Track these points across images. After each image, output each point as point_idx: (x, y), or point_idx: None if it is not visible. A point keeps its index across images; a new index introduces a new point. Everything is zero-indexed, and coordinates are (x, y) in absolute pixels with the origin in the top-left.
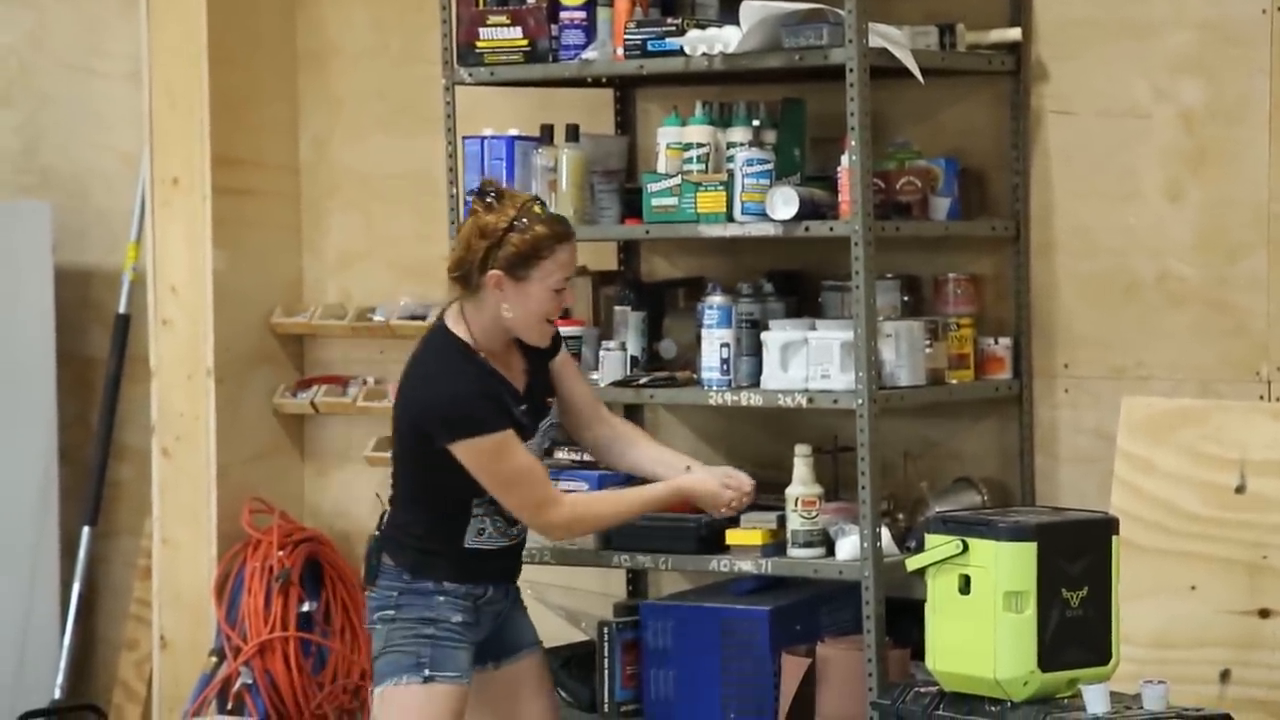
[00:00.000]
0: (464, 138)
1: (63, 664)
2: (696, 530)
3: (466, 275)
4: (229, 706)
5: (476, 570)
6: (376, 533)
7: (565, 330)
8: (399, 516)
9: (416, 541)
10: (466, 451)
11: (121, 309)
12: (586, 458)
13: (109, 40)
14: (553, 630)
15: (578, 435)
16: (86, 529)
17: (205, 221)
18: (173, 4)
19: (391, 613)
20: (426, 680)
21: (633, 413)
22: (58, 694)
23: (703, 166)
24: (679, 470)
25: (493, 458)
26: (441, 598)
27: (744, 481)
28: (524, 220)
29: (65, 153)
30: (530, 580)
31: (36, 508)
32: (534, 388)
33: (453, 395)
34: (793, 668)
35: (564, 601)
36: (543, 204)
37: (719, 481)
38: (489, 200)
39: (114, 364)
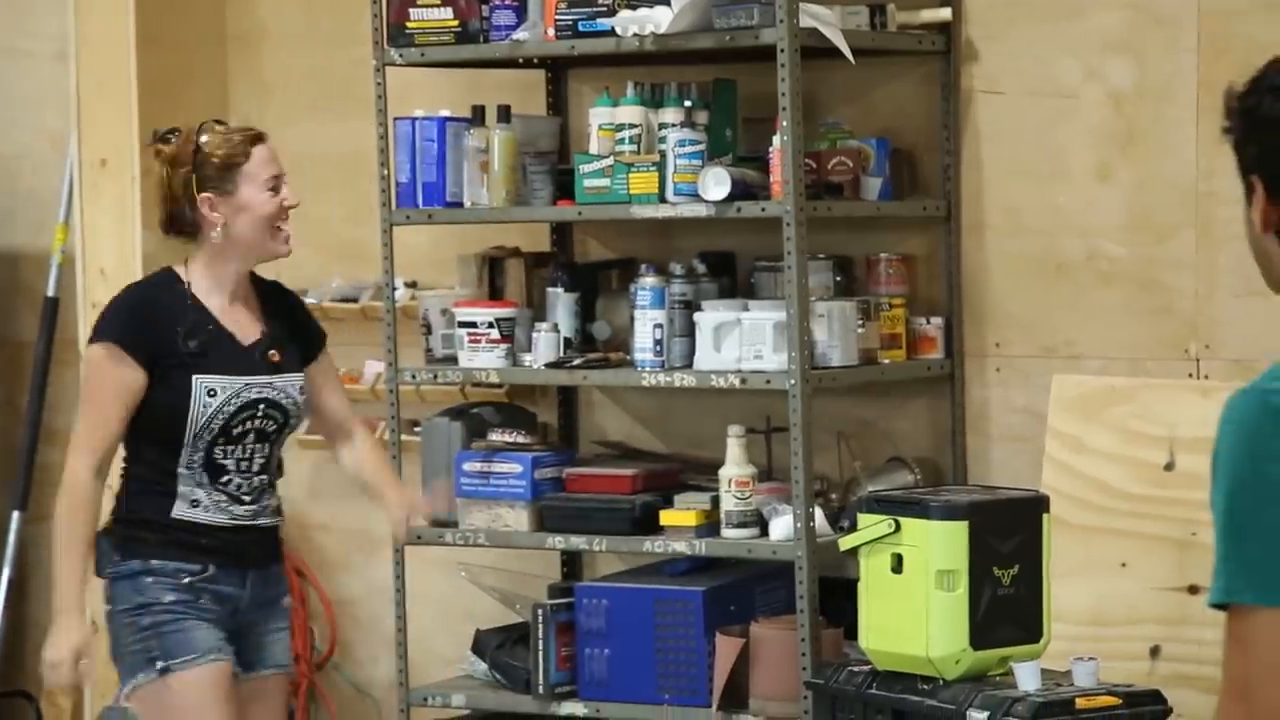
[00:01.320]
0: (395, 119)
1: None
2: (630, 512)
3: (179, 216)
4: None
5: (190, 544)
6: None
7: (498, 312)
8: (118, 490)
9: (124, 514)
10: (87, 357)
11: (50, 292)
12: (522, 438)
13: (35, 20)
14: (487, 612)
15: (326, 435)
16: (16, 514)
17: (134, 203)
18: None
19: (108, 607)
20: (163, 673)
21: (567, 394)
22: None
23: (635, 147)
24: (382, 485)
25: (87, 365)
26: (149, 578)
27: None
28: (208, 136)
29: None
30: (464, 562)
31: None
32: (265, 343)
33: (116, 298)
34: (727, 647)
35: (498, 583)
36: (221, 121)
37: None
38: (168, 137)
39: (42, 347)
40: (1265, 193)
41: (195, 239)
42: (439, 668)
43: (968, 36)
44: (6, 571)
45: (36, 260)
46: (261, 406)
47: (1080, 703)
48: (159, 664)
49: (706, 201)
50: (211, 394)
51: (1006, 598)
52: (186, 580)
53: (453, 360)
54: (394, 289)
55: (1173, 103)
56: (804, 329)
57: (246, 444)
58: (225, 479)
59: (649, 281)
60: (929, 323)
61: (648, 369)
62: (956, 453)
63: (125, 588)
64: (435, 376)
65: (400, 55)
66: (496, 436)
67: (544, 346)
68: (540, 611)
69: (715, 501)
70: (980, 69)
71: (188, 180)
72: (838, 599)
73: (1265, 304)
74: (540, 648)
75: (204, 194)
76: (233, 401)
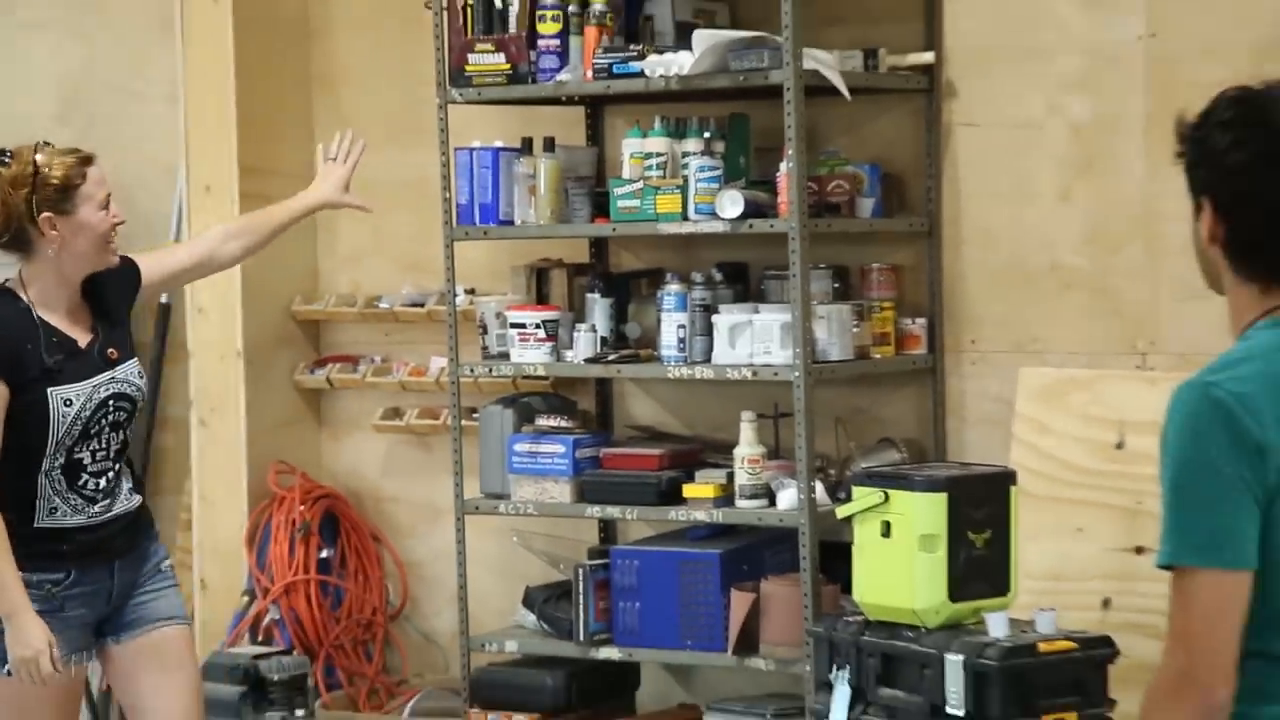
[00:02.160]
0: (455, 149)
1: None
2: (658, 485)
3: (18, 233)
4: (259, 639)
5: (50, 553)
6: None
7: (544, 314)
8: None
9: None
10: None
11: (163, 299)
12: (565, 423)
13: (150, 67)
14: (536, 571)
15: (210, 264)
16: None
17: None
18: (204, 36)
19: None
20: (8, 674)
21: (603, 385)
22: None
23: (661, 173)
24: (307, 203)
25: None
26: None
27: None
28: (43, 157)
29: (113, 165)
30: (516, 529)
31: None
32: (101, 342)
33: None
34: (740, 602)
35: (545, 547)
36: (49, 144)
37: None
38: (3, 160)
39: (157, 347)
40: (1212, 211)
41: (28, 256)
42: (494, 619)
43: (948, 77)
44: None
45: None
46: (111, 402)
47: (1042, 646)
48: (5, 668)
49: (723, 219)
50: (68, 404)
51: (979, 558)
52: (48, 589)
53: (505, 356)
54: (455, 296)
55: (1123, 134)
56: (806, 329)
57: (103, 437)
58: (82, 481)
59: (673, 288)
60: (914, 323)
61: (672, 364)
62: (937, 434)
63: None
64: (490, 370)
65: (460, 95)
66: (543, 421)
67: (583, 344)
68: (581, 571)
69: (730, 477)
70: (958, 105)
71: (29, 200)
72: (835, 560)
73: (1204, 306)
74: (581, 602)
75: (45, 214)
76: (87, 406)
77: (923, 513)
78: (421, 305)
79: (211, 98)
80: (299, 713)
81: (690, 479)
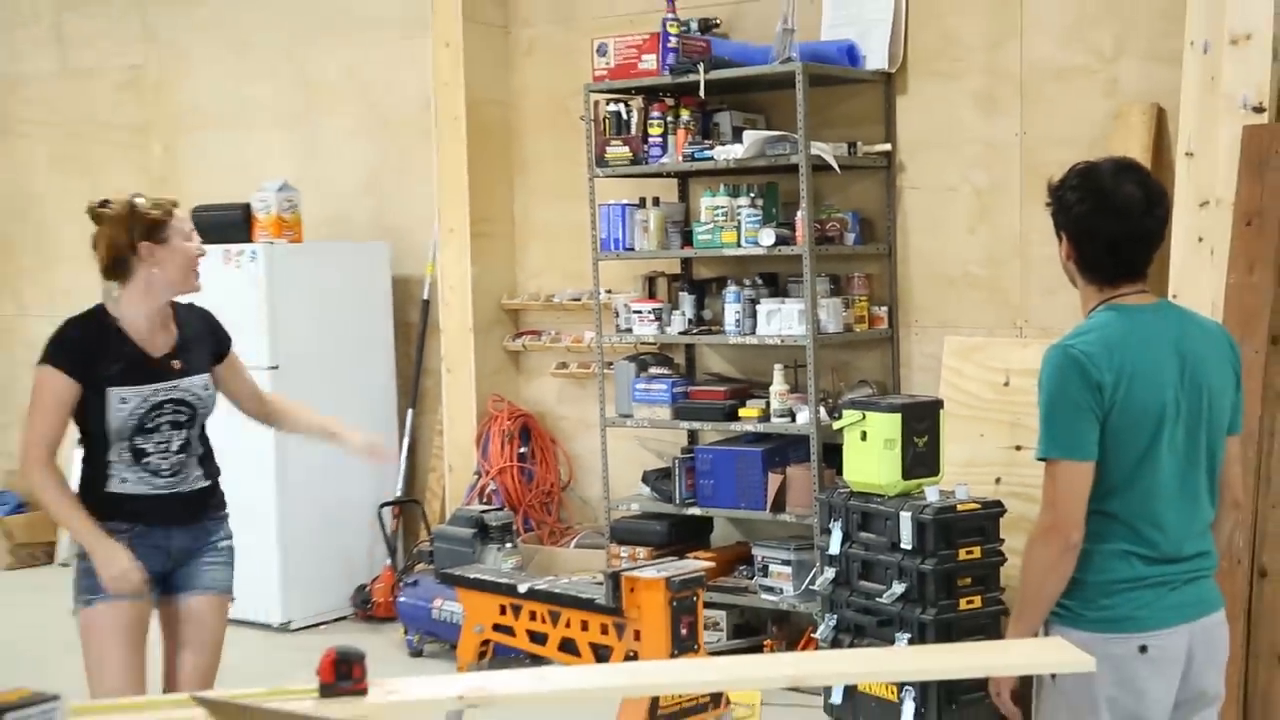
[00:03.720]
0: (599, 205)
1: (400, 478)
2: (724, 409)
3: (121, 261)
4: (484, 500)
5: (120, 511)
6: None
7: (653, 305)
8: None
9: (78, 490)
10: (35, 375)
11: (425, 297)
12: (666, 371)
13: (415, 158)
14: (650, 460)
15: (251, 414)
16: (410, 411)
17: (466, 250)
18: (449, 138)
19: (79, 553)
20: (87, 604)
21: (690, 349)
22: (399, 493)
23: (724, 218)
24: (330, 426)
25: (37, 384)
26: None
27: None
28: (140, 201)
29: (395, 216)
30: (638, 435)
31: (384, 401)
32: (172, 358)
33: (58, 330)
34: (774, 480)
35: (655, 447)
36: (139, 194)
37: (364, 440)
38: (105, 203)
39: (421, 326)
40: (1068, 241)
41: (125, 281)
42: (624, 489)
43: (899, 159)
44: (406, 441)
45: (418, 281)
46: (168, 405)
47: (959, 507)
48: (85, 597)
49: (762, 246)
50: (124, 401)
51: (921, 453)
52: (118, 537)
53: (630, 331)
54: (599, 294)
55: (1006, 194)
56: (814, 313)
57: (163, 432)
58: (146, 460)
59: (732, 289)
60: (880, 309)
61: (732, 335)
62: (894, 378)
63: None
64: (621, 339)
65: (601, 172)
66: (653, 370)
67: (678, 323)
68: (676, 461)
69: (768, 404)
70: (906, 175)
71: (129, 232)
72: (833, 454)
73: (1058, 298)
74: (676, 479)
75: (142, 243)
76: (142, 406)
77: (886, 425)
78: (579, 300)
79: (452, 175)
80: (508, 545)
81: (743, 405)
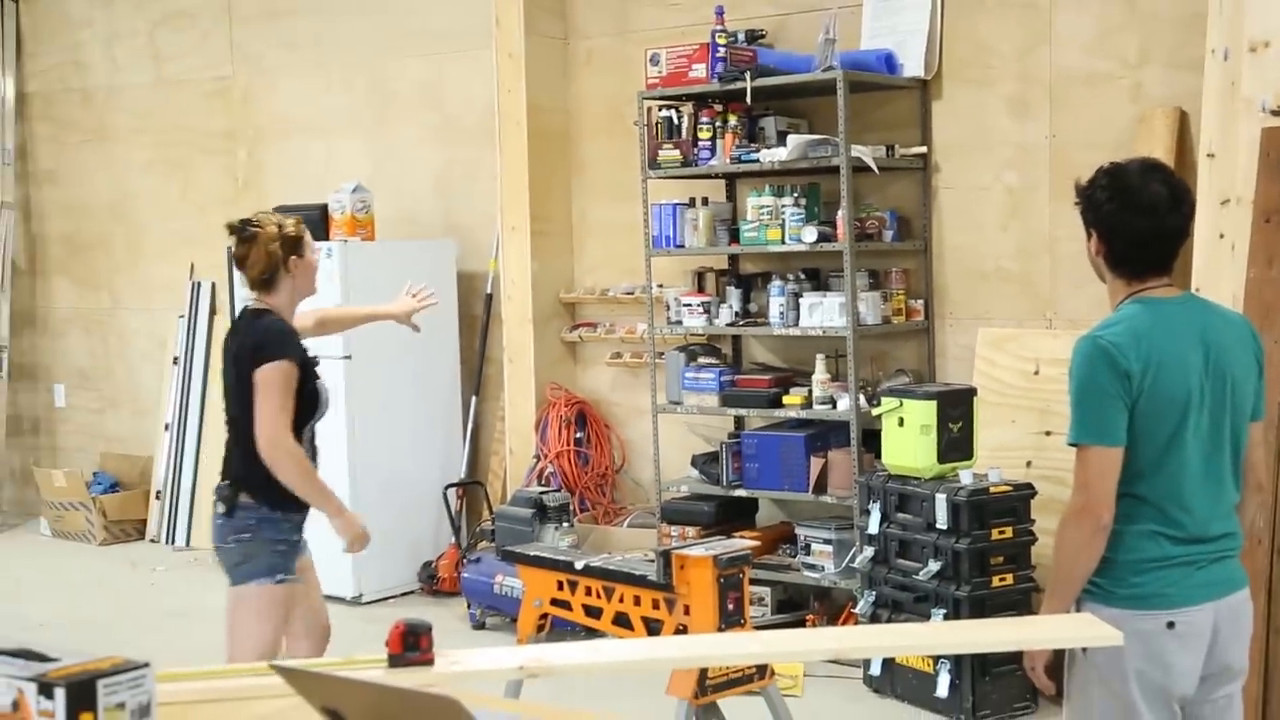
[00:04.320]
0: (652, 204)
1: (464, 461)
2: (768, 396)
3: (273, 273)
4: (543, 482)
5: (296, 499)
6: (226, 481)
7: (703, 298)
8: (256, 464)
9: (267, 476)
10: (267, 372)
11: (488, 291)
12: (714, 360)
13: (481, 162)
14: (698, 445)
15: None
16: (474, 398)
17: (527, 247)
18: (512, 144)
19: (249, 535)
20: (279, 582)
21: (737, 339)
22: (463, 475)
23: (770, 216)
24: (373, 313)
25: (275, 376)
26: (288, 524)
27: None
28: (286, 220)
29: (461, 215)
30: (687, 421)
31: (449, 388)
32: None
33: (266, 327)
34: (816, 464)
35: (703, 432)
36: (267, 212)
37: (402, 308)
38: (247, 222)
39: (484, 318)
40: (1097, 237)
41: (268, 292)
42: (675, 471)
43: (935, 160)
44: (470, 425)
45: (482, 276)
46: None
47: (992, 489)
48: (279, 575)
49: (805, 243)
50: (325, 389)
51: (955, 438)
52: (297, 526)
53: (680, 323)
54: (651, 288)
55: (1037, 193)
56: (854, 306)
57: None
58: (315, 447)
59: (776, 284)
60: (917, 302)
61: (777, 326)
62: (930, 367)
63: (269, 526)
64: (672, 330)
65: (654, 174)
66: (702, 359)
67: (725, 315)
68: (724, 445)
69: (810, 391)
70: (941, 176)
71: (283, 248)
72: (872, 439)
73: (1086, 291)
74: (724, 462)
75: (291, 257)
76: (325, 391)
77: (922, 412)
78: (632, 294)
79: (514, 177)
80: (565, 525)
81: (787, 393)
